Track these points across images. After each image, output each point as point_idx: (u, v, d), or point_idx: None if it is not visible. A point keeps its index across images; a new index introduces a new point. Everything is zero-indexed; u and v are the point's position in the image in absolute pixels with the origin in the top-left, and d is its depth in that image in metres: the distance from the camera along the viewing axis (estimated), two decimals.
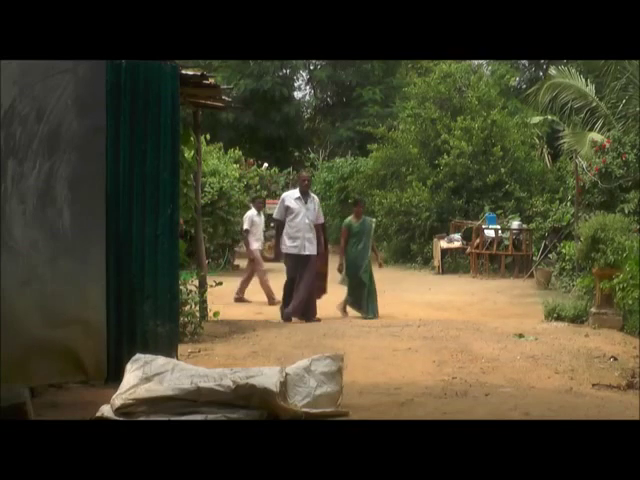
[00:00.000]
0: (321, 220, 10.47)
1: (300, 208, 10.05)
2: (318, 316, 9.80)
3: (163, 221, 5.59)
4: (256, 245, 12.62)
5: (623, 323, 8.58)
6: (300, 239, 9.92)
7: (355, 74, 29.11)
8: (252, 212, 12.91)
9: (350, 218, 11.29)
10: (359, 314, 10.48)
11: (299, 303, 9.73)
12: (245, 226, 12.67)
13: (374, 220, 12.04)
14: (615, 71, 15.34)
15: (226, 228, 17.23)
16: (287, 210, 10.06)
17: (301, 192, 10.23)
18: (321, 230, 10.44)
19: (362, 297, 10.63)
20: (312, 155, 26.80)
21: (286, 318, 9.70)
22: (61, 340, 4.69)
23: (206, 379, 4.16)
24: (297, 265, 9.89)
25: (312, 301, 9.92)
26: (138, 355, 4.43)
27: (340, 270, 10.77)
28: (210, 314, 8.50)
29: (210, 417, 3.96)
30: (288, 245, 9.96)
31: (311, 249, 9.99)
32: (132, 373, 4.26)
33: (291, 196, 10.32)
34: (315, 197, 10.60)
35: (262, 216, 13.42)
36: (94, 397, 4.67)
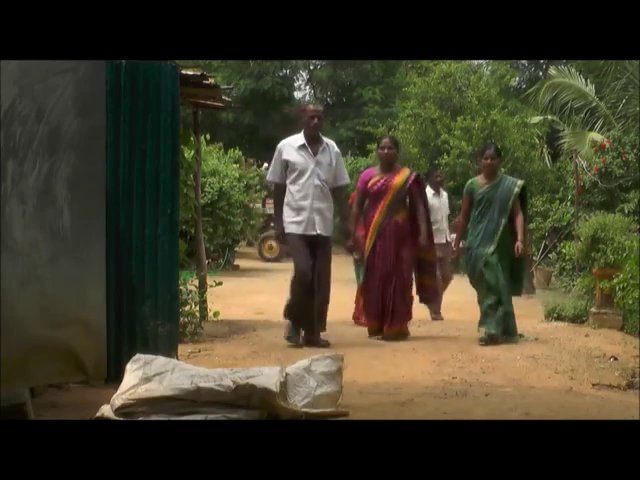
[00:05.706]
0: (343, 181, 6.77)
1: (306, 162, 6.49)
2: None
3: (163, 221, 5.59)
4: (437, 238, 8.27)
5: (623, 323, 8.58)
6: (306, 210, 6.47)
7: (355, 74, 29.14)
8: (427, 191, 8.40)
9: (476, 178, 7.27)
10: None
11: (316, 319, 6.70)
12: None
13: (519, 182, 7.26)
14: (615, 71, 15.39)
15: (226, 228, 17.23)
16: (287, 167, 6.54)
17: (307, 137, 6.52)
18: (340, 196, 6.84)
19: (482, 303, 7.21)
20: None
21: (309, 342, 6.71)
22: (61, 340, 4.68)
23: (206, 379, 4.16)
24: (305, 252, 6.50)
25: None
26: (138, 355, 4.43)
27: (455, 257, 7.54)
28: (210, 314, 8.50)
29: (210, 417, 3.95)
30: (288, 221, 6.56)
31: (324, 227, 6.58)
32: (132, 373, 4.26)
33: (291, 144, 6.59)
34: (331, 144, 6.74)
35: (443, 196, 9.41)
36: (94, 397, 4.67)
